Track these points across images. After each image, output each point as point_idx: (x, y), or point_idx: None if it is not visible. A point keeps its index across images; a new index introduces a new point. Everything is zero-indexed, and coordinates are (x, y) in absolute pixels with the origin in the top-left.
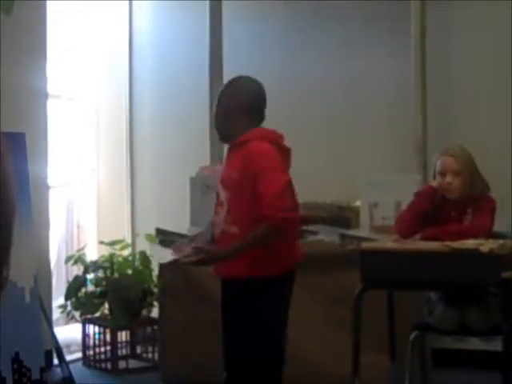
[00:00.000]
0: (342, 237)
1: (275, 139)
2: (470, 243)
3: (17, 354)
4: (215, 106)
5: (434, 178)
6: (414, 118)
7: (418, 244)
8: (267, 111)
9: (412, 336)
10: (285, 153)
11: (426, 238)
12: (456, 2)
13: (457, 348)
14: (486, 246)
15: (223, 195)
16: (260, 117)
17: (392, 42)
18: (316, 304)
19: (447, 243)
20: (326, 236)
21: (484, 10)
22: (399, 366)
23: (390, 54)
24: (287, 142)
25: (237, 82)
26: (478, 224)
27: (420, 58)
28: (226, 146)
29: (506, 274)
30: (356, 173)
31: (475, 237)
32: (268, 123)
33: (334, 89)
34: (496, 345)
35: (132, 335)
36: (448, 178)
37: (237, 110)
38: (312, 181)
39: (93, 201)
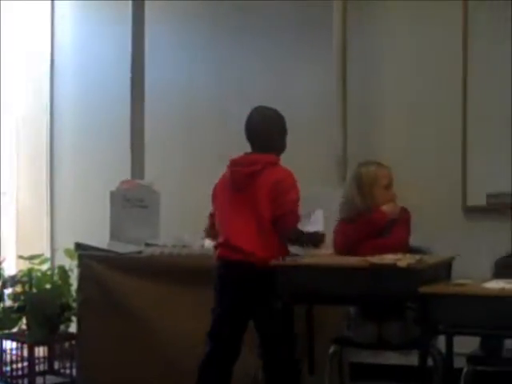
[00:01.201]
0: None
1: None
2: (388, 258)
3: None
4: None
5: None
6: (336, 131)
7: (337, 259)
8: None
9: (331, 350)
10: None
11: (340, 253)
12: (376, 15)
13: (375, 362)
14: (404, 260)
15: None
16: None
17: (314, 55)
18: None
19: (366, 258)
20: None
21: (405, 36)
22: (318, 380)
23: (312, 67)
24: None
25: None
26: (395, 237)
27: (341, 73)
28: (147, 162)
29: (423, 289)
30: None
31: (394, 249)
32: (192, 132)
33: (255, 100)
34: (413, 359)
35: (50, 351)
36: (393, 191)
37: None
38: None
39: (12, 215)
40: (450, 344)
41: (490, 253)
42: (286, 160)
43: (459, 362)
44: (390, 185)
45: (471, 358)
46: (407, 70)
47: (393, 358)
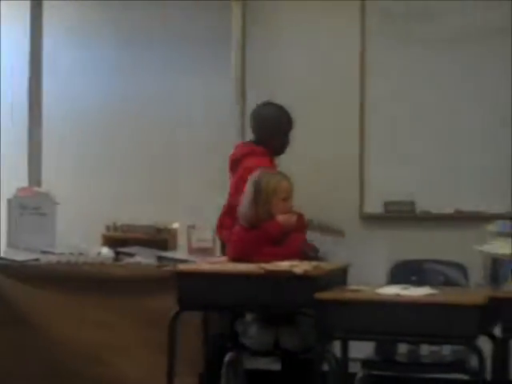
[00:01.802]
0: (159, 259)
1: None
2: (284, 265)
3: None
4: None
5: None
6: (235, 140)
7: (233, 266)
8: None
9: (226, 357)
10: None
11: (235, 260)
12: (275, 24)
13: (271, 369)
14: (300, 267)
15: None
16: None
17: (214, 66)
18: (132, 326)
19: (262, 265)
20: (143, 258)
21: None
22: None
23: (211, 77)
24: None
25: None
26: (292, 244)
27: (240, 83)
28: (44, 169)
29: (319, 295)
30: (175, 195)
31: (290, 257)
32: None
33: (154, 111)
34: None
35: None
36: (291, 204)
37: None
38: (129, 202)
39: None
40: (345, 349)
41: (387, 260)
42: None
43: (355, 367)
44: (289, 197)
45: (366, 363)
46: (305, 75)
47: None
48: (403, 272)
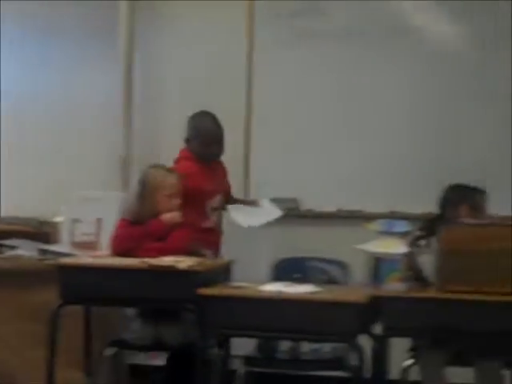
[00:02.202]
0: (42, 252)
1: None
2: (168, 260)
3: None
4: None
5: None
6: (119, 133)
7: (116, 260)
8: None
9: (108, 352)
10: None
11: (121, 254)
12: (164, 17)
13: (154, 364)
14: (184, 263)
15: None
16: None
17: (101, 56)
18: (14, 319)
19: (146, 260)
20: (25, 251)
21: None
22: (95, 382)
23: (99, 67)
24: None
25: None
26: (176, 240)
27: (126, 73)
28: None
29: (202, 291)
30: (59, 187)
31: (174, 253)
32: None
33: (42, 104)
34: None
35: None
36: (178, 201)
37: None
38: (13, 195)
39: None
40: (226, 346)
41: (270, 257)
42: (69, 160)
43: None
44: (176, 194)
45: (247, 360)
46: (192, 72)
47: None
48: (286, 269)
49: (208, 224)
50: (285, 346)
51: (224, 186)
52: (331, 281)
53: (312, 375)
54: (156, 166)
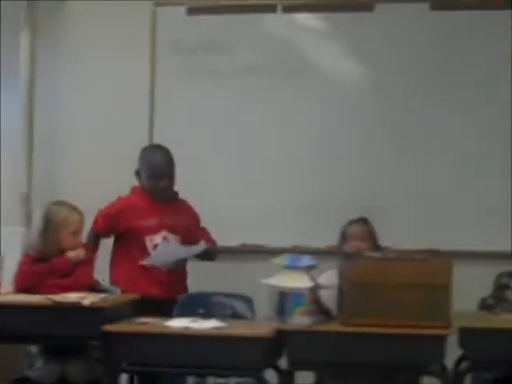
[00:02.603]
0: None
1: None
2: (72, 297)
3: None
4: (170, 171)
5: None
6: (20, 169)
7: (19, 297)
8: None
9: None
10: None
11: (24, 291)
12: (66, 46)
13: None
14: (88, 299)
15: (172, 237)
16: None
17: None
18: None
19: (50, 296)
20: None
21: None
22: None
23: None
24: None
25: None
26: (79, 277)
27: (28, 109)
28: None
29: (106, 327)
30: None
31: (77, 289)
32: None
33: None
34: None
35: None
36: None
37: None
38: None
39: None
40: (133, 382)
41: None
42: None
43: None
44: (79, 230)
45: None
46: (95, 107)
47: None
48: (191, 305)
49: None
50: (191, 380)
51: (181, 223)
52: (236, 316)
53: None
54: (59, 203)
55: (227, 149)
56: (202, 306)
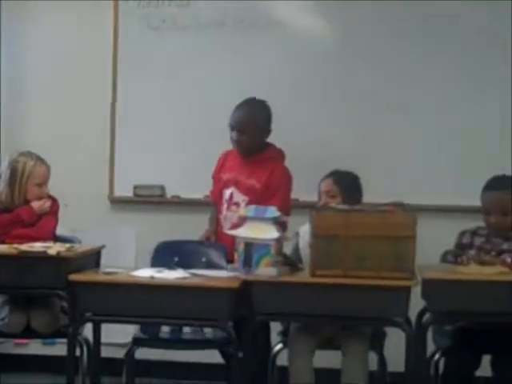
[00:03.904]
0: None
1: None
2: (37, 246)
3: None
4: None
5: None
6: None
7: None
8: None
9: None
10: None
11: None
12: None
13: (22, 353)
14: (54, 248)
15: (240, 198)
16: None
17: None
18: None
19: (15, 246)
20: None
21: None
22: None
23: None
24: None
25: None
26: (44, 227)
27: None
28: None
29: (72, 277)
30: None
31: (42, 239)
32: None
33: None
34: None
35: None
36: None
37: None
38: None
39: None
40: (97, 332)
41: (137, 243)
42: None
43: (109, 352)
44: (45, 182)
45: (135, 340)
46: (59, 58)
47: (41, 349)
48: (166, 253)
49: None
50: (166, 328)
51: (252, 183)
52: (210, 264)
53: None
54: (25, 154)
55: (187, 100)
56: (176, 254)
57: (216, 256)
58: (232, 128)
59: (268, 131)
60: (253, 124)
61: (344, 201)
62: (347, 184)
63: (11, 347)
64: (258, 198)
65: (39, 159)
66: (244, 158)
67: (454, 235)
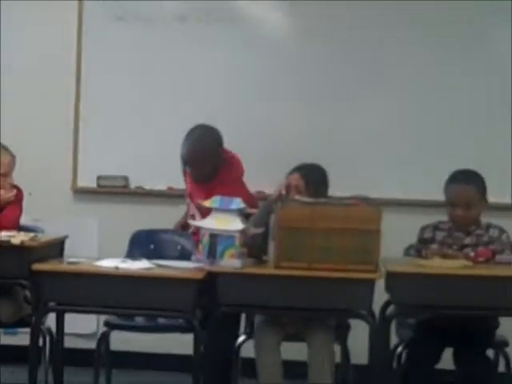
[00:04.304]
0: None
1: None
2: (1, 235)
3: None
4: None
5: None
6: None
7: None
8: None
9: None
10: None
11: None
12: None
13: None
14: (18, 238)
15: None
16: None
17: None
18: None
19: None
20: None
21: None
22: None
23: None
24: None
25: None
26: (8, 216)
27: None
28: None
29: (36, 266)
30: None
31: (6, 228)
32: None
33: None
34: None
35: None
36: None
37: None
38: None
39: None
40: (61, 322)
41: (99, 233)
42: None
43: (71, 342)
44: (8, 173)
45: (107, 323)
46: (22, 52)
47: (2, 339)
48: (141, 241)
49: None
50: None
51: None
52: (184, 252)
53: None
54: None
55: (156, 91)
56: (152, 242)
57: (191, 245)
58: (185, 162)
59: (221, 156)
60: (205, 157)
61: (311, 196)
62: (315, 179)
63: None
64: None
65: (3, 148)
66: (200, 184)
67: (416, 230)
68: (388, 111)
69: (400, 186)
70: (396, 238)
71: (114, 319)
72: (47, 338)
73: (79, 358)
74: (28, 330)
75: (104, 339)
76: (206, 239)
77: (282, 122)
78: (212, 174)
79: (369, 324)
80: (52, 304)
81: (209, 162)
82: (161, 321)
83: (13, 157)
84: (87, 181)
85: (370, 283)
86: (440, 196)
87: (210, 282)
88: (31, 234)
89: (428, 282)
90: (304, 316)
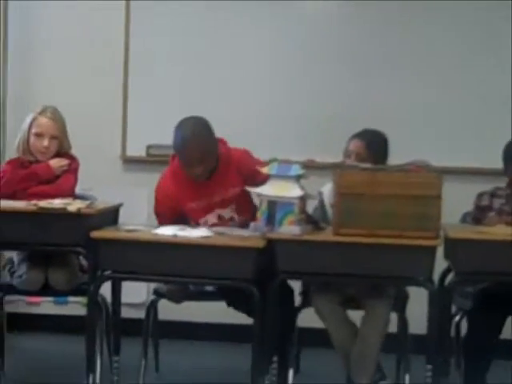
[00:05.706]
0: None
1: None
2: (57, 203)
3: None
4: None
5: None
6: None
7: (3, 203)
8: None
9: None
10: None
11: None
12: None
13: (37, 313)
14: (74, 205)
15: (228, 214)
16: None
17: None
18: None
19: (34, 202)
20: None
21: None
22: None
23: None
24: None
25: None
26: (63, 184)
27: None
28: None
29: (95, 234)
30: None
31: (62, 196)
32: None
33: None
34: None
35: None
36: (46, 142)
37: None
38: None
39: None
40: (117, 291)
41: (148, 202)
42: None
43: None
44: (45, 134)
45: (156, 292)
46: (71, 17)
47: (53, 309)
48: None
49: None
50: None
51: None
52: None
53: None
54: (40, 108)
55: (205, 67)
56: None
57: None
58: (185, 164)
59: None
60: (205, 154)
61: (371, 162)
62: (376, 146)
63: (23, 306)
64: (244, 195)
65: (43, 111)
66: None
67: (471, 198)
68: (445, 81)
69: (454, 154)
70: (452, 205)
71: (163, 287)
72: (103, 307)
73: (127, 327)
74: (79, 299)
75: (153, 307)
76: (264, 206)
77: (339, 89)
78: (216, 164)
79: (428, 290)
80: (108, 272)
81: (214, 155)
82: (210, 289)
83: (52, 120)
84: (137, 150)
85: (431, 250)
86: (496, 164)
87: (269, 249)
88: (87, 202)
89: (492, 250)
90: (364, 283)
